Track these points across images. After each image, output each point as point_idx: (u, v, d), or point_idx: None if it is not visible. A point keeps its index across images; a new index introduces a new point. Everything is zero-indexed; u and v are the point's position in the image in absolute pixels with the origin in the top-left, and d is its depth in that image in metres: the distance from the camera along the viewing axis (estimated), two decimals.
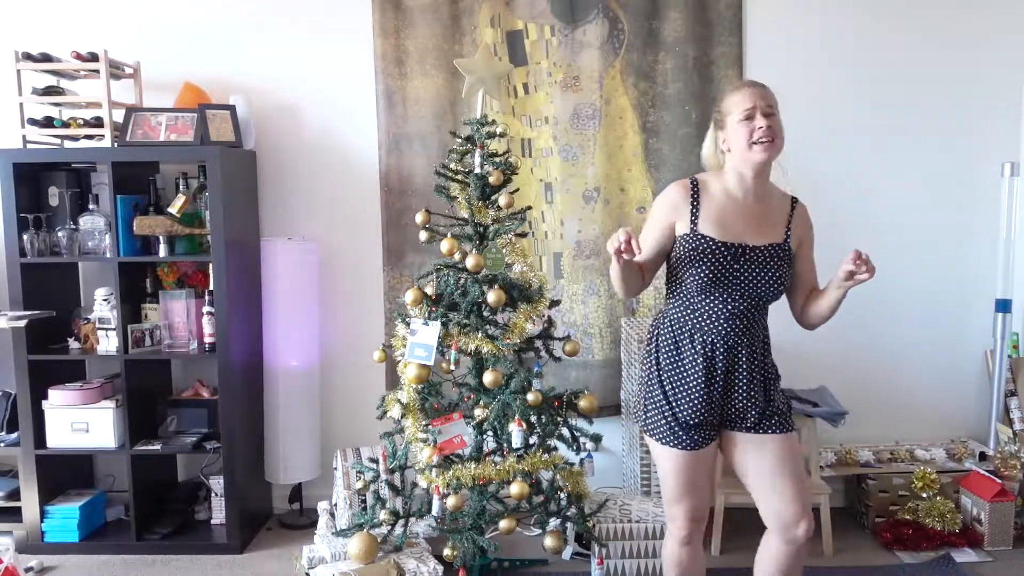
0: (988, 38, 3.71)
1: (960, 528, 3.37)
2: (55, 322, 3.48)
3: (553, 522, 2.89)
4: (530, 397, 2.77)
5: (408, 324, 2.81)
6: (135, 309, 3.56)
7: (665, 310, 2.30)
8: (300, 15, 3.71)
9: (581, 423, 2.91)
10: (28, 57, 3.37)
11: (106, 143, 3.38)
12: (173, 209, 3.40)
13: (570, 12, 3.67)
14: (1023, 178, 3.65)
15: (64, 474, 3.60)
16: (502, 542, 3.19)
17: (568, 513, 2.90)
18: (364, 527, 2.97)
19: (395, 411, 2.86)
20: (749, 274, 2.15)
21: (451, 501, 2.73)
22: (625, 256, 2.04)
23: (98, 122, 3.40)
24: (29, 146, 3.42)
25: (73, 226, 3.48)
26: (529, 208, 3.04)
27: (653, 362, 2.29)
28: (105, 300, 3.43)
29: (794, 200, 2.28)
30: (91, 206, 3.51)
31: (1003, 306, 3.64)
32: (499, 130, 2.93)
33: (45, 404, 3.42)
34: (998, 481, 3.35)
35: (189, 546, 3.45)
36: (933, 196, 3.77)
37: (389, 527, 2.96)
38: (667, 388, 2.24)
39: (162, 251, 3.42)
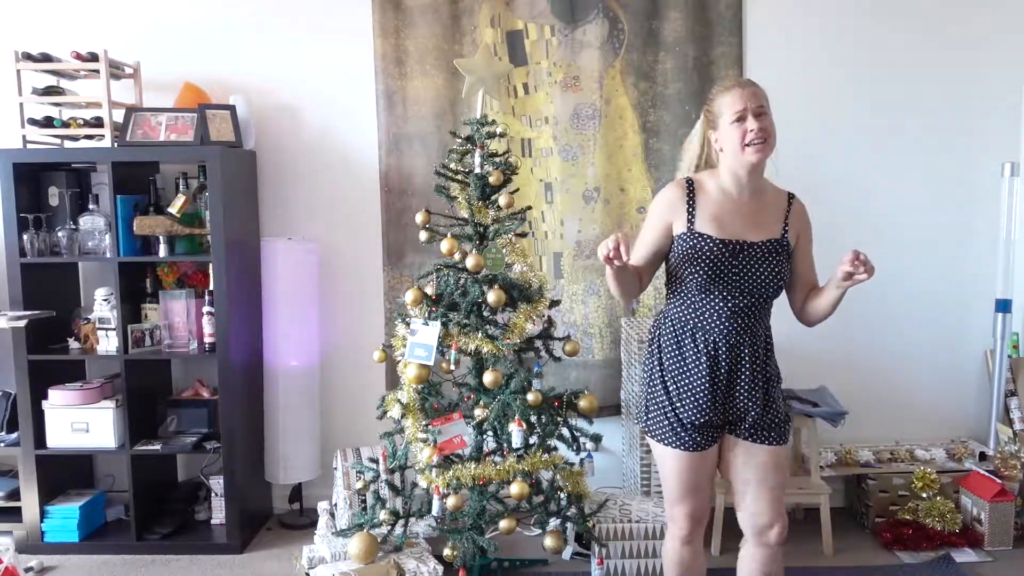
0: (988, 38, 3.71)
1: (960, 528, 3.37)
2: (55, 322, 3.48)
3: (553, 522, 2.89)
4: (530, 397, 2.77)
5: (408, 324, 2.81)
6: (135, 309, 3.56)
7: (666, 310, 2.30)
8: (300, 15, 3.71)
9: (581, 423, 2.91)
10: (28, 57, 3.37)
11: (106, 143, 3.38)
12: (173, 209, 3.40)
13: (570, 12, 3.67)
14: (1023, 178, 3.65)
15: (64, 474, 3.60)
16: (502, 542, 3.19)
17: (568, 513, 2.90)
18: (364, 527, 2.97)
19: (395, 411, 2.86)
20: (748, 270, 2.15)
21: (451, 501, 2.73)
22: (616, 263, 2.04)
23: (98, 122, 3.40)
24: (29, 146, 3.43)
25: (73, 226, 3.48)
26: (529, 208, 3.04)
27: (655, 363, 2.28)
28: (105, 300, 3.43)
29: (791, 196, 2.28)
30: (91, 206, 3.51)
31: (1003, 306, 3.64)
32: (499, 130, 2.94)
33: (45, 404, 3.42)
34: (998, 481, 3.35)
35: (189, 546, 3.45)
36: (933, 196, 3.77)
37: (389, 527, 2.96)
38: (671, 388, 2.24)
39: (162, 251, 3.42)
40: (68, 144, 3.54)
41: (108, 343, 3.41)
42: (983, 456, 3.63)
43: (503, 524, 2.77)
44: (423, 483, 2.79)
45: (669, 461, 2.26)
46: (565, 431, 2.88)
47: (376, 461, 3.06)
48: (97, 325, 3.43)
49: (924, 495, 3.44)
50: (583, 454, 2.94)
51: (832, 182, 3.70)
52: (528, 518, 3.01)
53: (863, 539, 3.47)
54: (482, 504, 2.89)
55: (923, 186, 3.77)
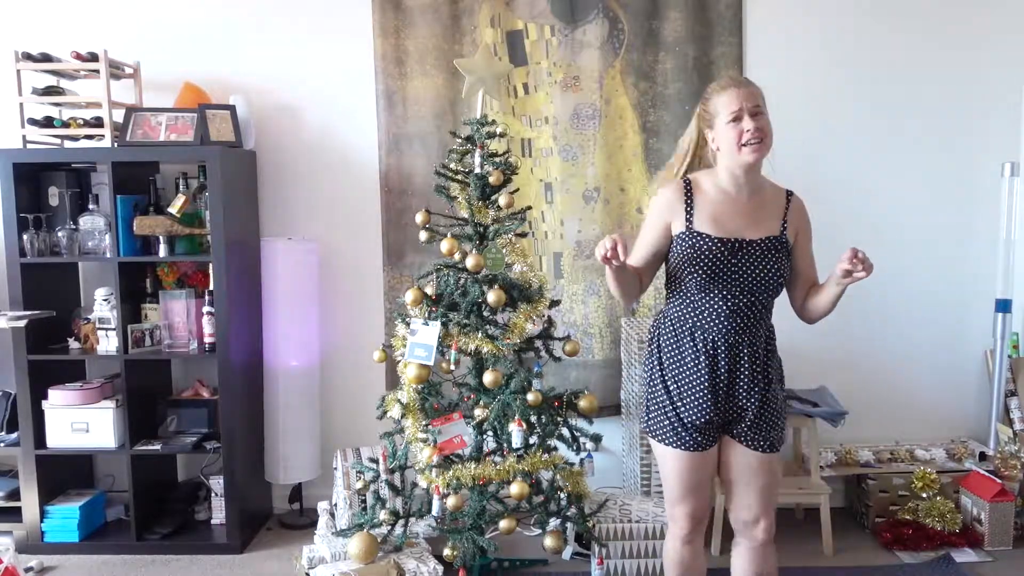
0: (988, 38, 3.71)
1: (960, 528, 3.37)
2: (55, 322, 3.48)
3: (553, 522, 2.89)
4: (530, 397, 2.77)
5: (408, 324, 2.81)
6: (135, 309, 3.56)
7: (665, 310, 2.30)
8: (300, 15, 3.71)
9: (581, 423, 2.91)
10: (28, 57, 3.37)
11: (106, 143, 3.38)
12: (173, 209, 3.40)
13: (570, 12, 3.67)
14: (1023, 178, 3.65)
15: (64, 474, 3.60)
16: (502, 542, 3.18)
17: (568, 513, 2.90)
18: (364, 527, 2.97)
19: (395, 411, 2.86)
20: (747, 268, 2.15)
21: (451, 501, 2.73)
22: (614, 262, 2.04)
23: (98, 122, 3.40)
24: (29, 146, 3.43)
25: (73, 226, 3.48)
26: (529, 208, 3.04)
27: (656, 363, 2.29)
28: (105, 300, 3.43)
29: (789, 193, 2.28)
30: (91, 206, 3.51)
31: (1003, 306, 3.64)
32: (499, 130, 2.94)
33: (45, 404, 3.42)
34: (998, 481, 3.35)
35: (189, 546, 3.45)
36: (933, 196, 3.77)
37: (389, 527, 2.96)
38: (671, 388, 2.24)
39: (162, 251, 3.42)
40: (68, 144, 3.54)
41: (108, 343, 3.41)
42: (983, 456, 3.62)
43: (503, 524, 2.77)
44: (423, 483, 2.79)
45: (670, 461, 2.26)
46: (565, 431, 2.88)
47: (376, 461, 3.06)
48: (97, 325, 3.43)
49: (924, 495, 3.44)
50: (583, 454, 2.95)
51: (832, 182, 3.70)
52: (528, 518, 3.01)
53: (863, 539, 3.47)
54: (482, 504, 2.89)
55: (923, 186, 3.77)
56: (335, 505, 3.34)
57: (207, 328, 3.48)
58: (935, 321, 3.82)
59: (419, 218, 2.91)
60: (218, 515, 3.57)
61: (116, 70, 3.46)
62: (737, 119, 2.12)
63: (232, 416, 3.40)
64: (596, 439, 2.92)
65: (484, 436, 2.90)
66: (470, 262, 2.77)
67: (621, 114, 3.71)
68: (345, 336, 3.82)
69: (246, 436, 3.53)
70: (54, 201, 3.53)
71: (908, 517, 3.43)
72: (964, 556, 3.27)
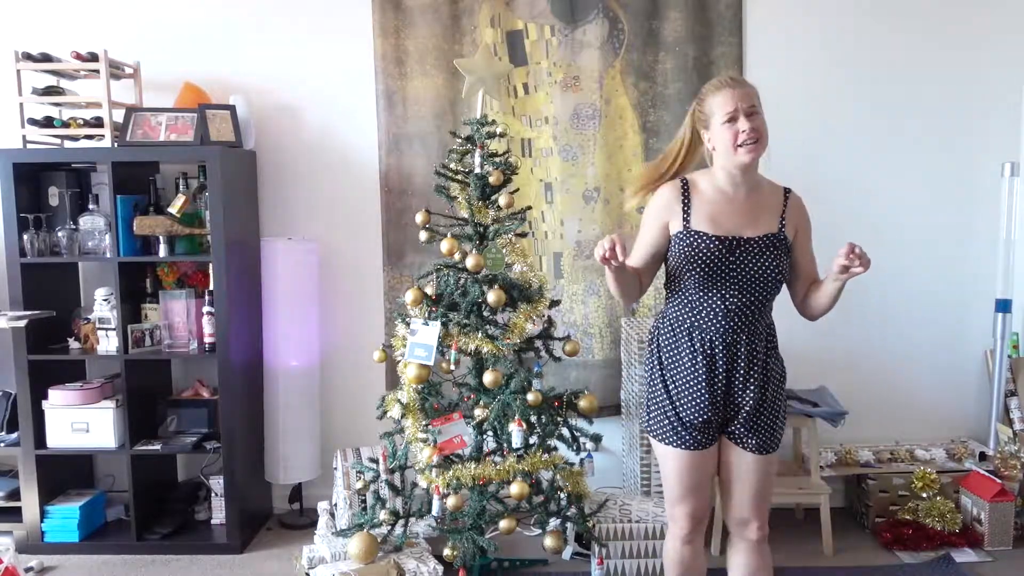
0: (988, 38, 3.71)
1: (960, 528, 3.37)
2: (55, 322, 3.48)
3: (553, 522, 2.89)
4: (530, 397, 2.77)
5: (408, 324, 2.81)
6: (135, 309, 3.56)
7: (665, 310, 2.30)
8: (300, 15, 3.71)
9: (581, 423, 2.91)
10: (28, 57, 3.37)
11: (106, 143, 3.38)
12: (173, 209, 3.40)
13: (570, 12, 3.67)
14: (1023, 178, 3.65)
15: (64, 474, 3.60)
16: (502, 542, 3.18)
17: (568, 513, 2.90)
18: (364, 527, 2.97)
19: (395, 411, 2.86)
20: (745, 266, 2.15)
21: (451, 501, 2.73)
22: (613, 263, 2.04)
23: (98, 122, 3.40)
24: (29, 146, 3.43)
25: (73, 226, 3.48)
26: (529, 208, 3.04)
27: (655, 362, 2.29)
28: (105, 300, 3.43)
29: (787, 191, 2.28)
30: (91, 206, 3.51)
31: (1003, 306, 3.64)
32: (499, 130, 2.94)
33: (45, 404, 3.42)
34: (998, 481, 3.35)
35: (189, 546, 3.45)
36: (933, 196, 3.77)
37: (389, 527, 2.96)
38: (670, 388, 2.24)
39: (162, 251, 3.42)
40: (68, 144, 3.54)
41: (108, 343, 3.41)
42: (983, 456, 3.62)
43: (503, 524, 2.77)
44: (423, 483, 2.79)
45: (670, 460, 2.27)
46: (565, 431, 2.88)
47: (376, 461, 3.06)
48: (97, 325, 3.43)
49: (924, 495, 3.44)
50: (583, 454, 2.95)
51: (832, 182, 3.70)
52: (528, 518, 3.01)
53: (863, 539, 3.47)
54: (482, 504, 2.89)
55: (923, 186, 3.76)
56: (335, 505, 3.34)
57: (207, 328, 3.48)
58: (935, 321, 3.82)
59: (419, 218, 2.91)
60: (218, 515, 3.57)
61: (116, 70, 3.46)
62: (732, 119, 2.12)
63: (232, 416, 3.40)
64: (596, 439, 2.92)
65: (484, 436, 2.90)
66: (470, 262, 2.77)
67: (621, 114, 3.71)
68: (345, 336, 3.82)
69: (246, 436, 3.53)
70: (54, 201, 3.53)
71: (908, 517, 3.43)
72: (964, 556, 3.27)
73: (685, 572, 2.36)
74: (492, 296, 2.75)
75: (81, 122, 3.45)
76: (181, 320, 3.55)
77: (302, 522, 3.67)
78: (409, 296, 2.81)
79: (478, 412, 2.86)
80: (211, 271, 3.44)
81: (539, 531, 3.03)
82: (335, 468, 3.41)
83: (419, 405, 2.84)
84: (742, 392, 2.19)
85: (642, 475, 3.38)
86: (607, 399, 3.72)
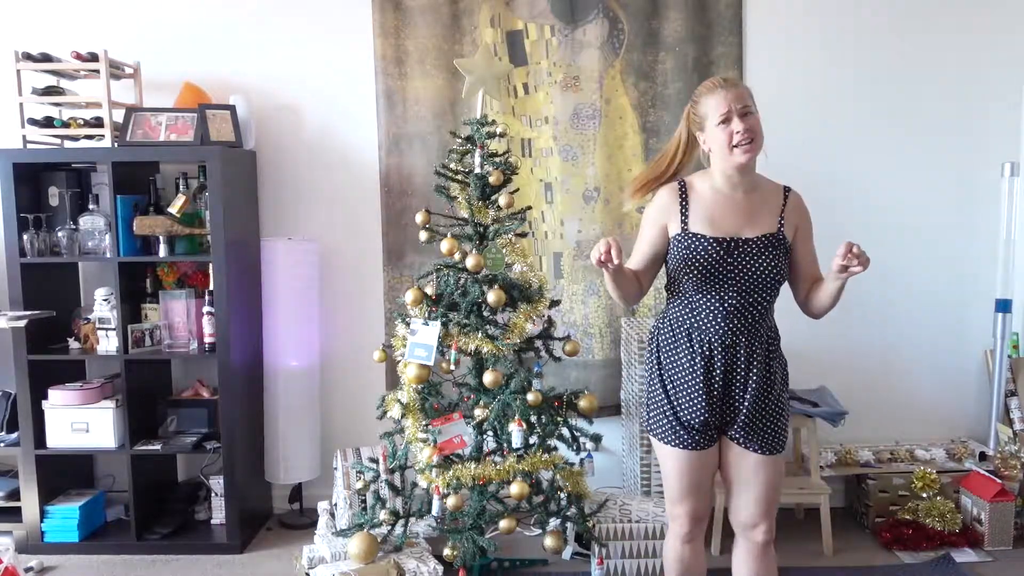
0: (988, 38, 3.71)
1: (960, 528, 3.37)
2: (55, 322, 3.48)
3: (553, 522, 2.89)
4: (530, 397, 2.77)
5: (408, 324, 2.81)
6: (135, 309, 3.56)
7: (666, 310, 2.30)
8: (300, 15, 3.71)
9: (581, 423, 2.91)
10: (28, 57, 3.37)
11: (106, 143, 3.38)
12: (173, 209, 3.40)
13: (570, 12, 3.67)
14: (1023, 178, 3.65)
15: (64, 474, 3.60)
16: (502, 542, 3.18)
17: (568, 513, 2.90)
18: (364, 527, 2.97)
19: (395, 411, 2.86)
20: (743, 267, 2.15)
21: (451, 501, 2.73)
22: (609, 265, 2.05)
23: (98, 122, 3.40)
24: (29, 146, 3.43)
25: (73, 226, 3.48)
26: (529, 208, 3.04)
27: (654, 362, 2.29)
28: (105, 300, 3.43)
29: (786, 189, 2.27)
30: (91, 206, 3.51)
31: (1003, 306, 3.64)
32: (499, 130, 2.94)
33: (45, 404, 3.42)
34: (998, 481, 3.35)
35: (189, 546, 3.45)
36: (933, 196, 3.77)
37: (389, 527, 2.96)
38: (668, 388, 2.25)
39: (162, 251, 3.42)
40: (68, 144, 3.54)
41: (108, 343, 3.41)
42: (983, 456, 3.63)
43: (503, 524, 2.77)
44: (423, 483, 2.79)
45: (670, 460, 2.27)
46: (565, 431, 2.88)
47: (376, 461, 3.06)
48: (97, 325, 3.43)
49: (924, 495, 3.44)
50: (583, 454, 2.94)
51: (832, 182, 3.70)
52: (528, 518, 3.01)
53: (863, 539, 3.47)
54: (482, 504, 2.89)
55: (923, 186, 3.76)
56: (335, 505, 3.34)
57: (207, 328, 3.48)
58: (935, 321, 3.82)
59: (419, 218, 2.91)
60: (218, 515, 3.57)
61: (116, 70, 3.46)
62: (726, 121, 2.12)
63: (232, 416, 3.40)
64: (596, 439, 2.91)
65: (484, 436, 2.90)
66: (470, 262, 2.77)
67: (621, 114, 3.71)
68: (345, 336, 3.82)
69: (246, 436, 3.53)
70: (54, 201, 3.53)
71: (908, 517, 3.43)
72: (964, 556, 3.27)
73: (685, 572, 2.36)
74: (492, 296, 2.75)
75: (81, 122, 3.45)
76: (181, 320, 3.55)
77: (302, 522, 3.67)
78: (409, 296, 2.81)
79: (478, 412, 2.86)
80: (211, 271, 3.44)
81: (539, 531, 3.03)
82: (335, 468, 3.41)
83: (419, 405, 2.84)
84: (742, 394, 2.18)
85: (642, 475, 3.38)
86: (607, 399, 3.72)
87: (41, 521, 3.46)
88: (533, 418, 2.83)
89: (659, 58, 3.68)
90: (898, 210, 3.76)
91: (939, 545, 3.33)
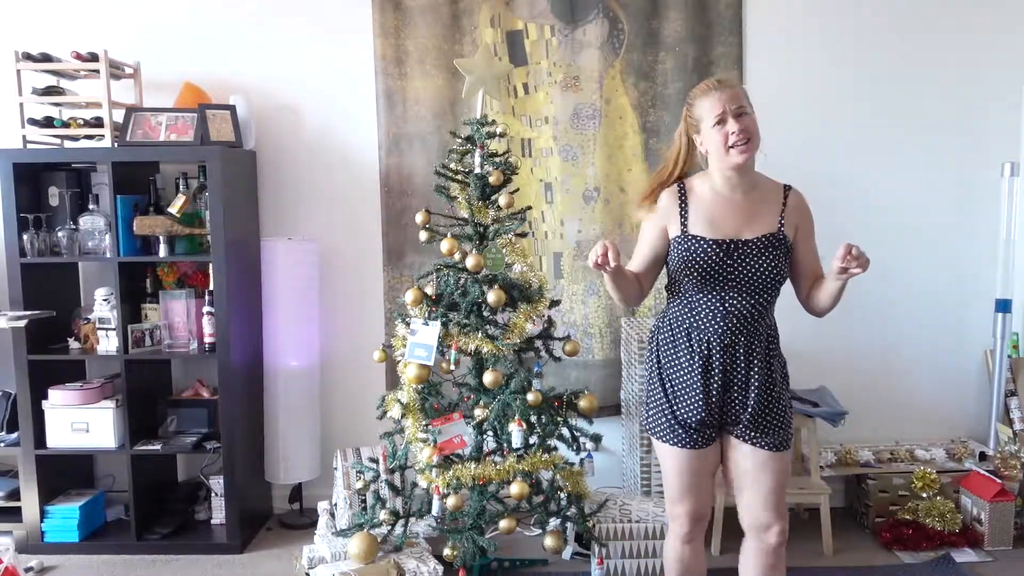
0: (988, 38, 3.71)
1: (960, 528, 3.37)
2: (55, 322, 3.48)
3: (553, 522, 2.89)
4: (530, 397, 2.77)
5: (408, 324, 2.81)
6: (135, 309, 3.56)
7: (666, 310, 2.30)
8: (300, 15, 3.71)
9: (581, 423, 2.91)
10: (28, 57, 3.37)
11: (106, 143, 3.38)
12: (173, 209, 3.40)
13: (570, 12, 3.67)
14: (1023, 178, 3.65)
15: (64, 474, 3.59)
16: (502, 542, 3.18)
17: (568, 513, 2.90)
18: (364, 527, 2.97)
19: (395, 411, 2.86)
20: (744, 268, 2.15)
21: (451, 501, 2.73)
22: (606, 268, 2.05)
23: (98, 122, 3.40)
24: (29, 146, 3.43)
25: (73, 226, 3.48)
26: (529, 208, 3.04)
27: (654, 361, 2.30)
28: (105, 300, 3.43)
29: (787, 188, 2.27)
30: (91, 206, 3.51)
31: (1003, 306, 3.64)
32: (499, 130, 2.94)
33: (45, 404, 3.42)
34: (998, 481, 3.35)
35: (189, 546, 3.45)
36: (933, 196, 3.77)
37: (389, 527, 2.96)
38: (667, 387, 2.25)
39: (162, 251, 3.42)
40: (68, 144, 3.54)
41: (108, 343, 3.41)
42: (983, 456, 3.63)
43: (503, 524, 2.77)
44: (423, 483, 2.79)
45: (669, 459, 2.27)
46: (565, 431, 2.88)
47: (376, 461, 3.06)
48: (97, 325, 3.43)
49: (924, 495, 3.44)
50: (583, 454, 2.94)
51: (832, 182, 3.70)
52: (528, 518, 3.01)
53: (863, 539, 3.47)
54: (482, 504, 2.89)
55: (923, 186, 3.76)
56: (335, 505, 3.34)
57: (207, 328, 3.48)
58: (935, 321, 3.82)
59: (419, 218, 2.91)
60: (218, 515, 3.57)
61: (116, 70, 3.46)
62: (722, 122, 2.13)
63: (232, 416, 3.40)
64: (596, 439, 2.91)
65: (484, 436, 2.90)
66: (470, 262, 2.77)
67: (621, 114, 3.71)
68: (345, 336, 3.82)
69: (246, 436, 3.53)
70: (54, 201, 3.53)
71: (908, 517, 3.43)
72: (964, 556, 3.27)
73: (685, 572, 2.36)
74: (492, 296, 2.75)
75: (81, 122, 3.45)
76: (181, 320, 3.55)
77: (302, 522, 3.67)
78: (409, 296, 2.81)
79: (478, 412, 2.86)
80: (211, 271, 3.44)
81: (539, 531, 3.03)
82: (335, 468, 3.41)
83: (419, 405, 2.84)
84: (743, 393, 2.18)
85: (642, 475, 3.38)
86: (607, 399, 3.72)
87: (41, 521, 3.46)
88: (533, 418, 2.83)
89: (659, 58, 3.68)
90: (898, 210, 3.76)
91: (939, 545, 3.33)
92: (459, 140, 2.97)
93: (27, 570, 3.24)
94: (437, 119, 3.69)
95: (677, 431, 2.23)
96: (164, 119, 3.41)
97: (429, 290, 2.86)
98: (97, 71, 3.36)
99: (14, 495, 3.50)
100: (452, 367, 2.76)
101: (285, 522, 3.71)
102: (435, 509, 2.73)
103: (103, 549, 3.45)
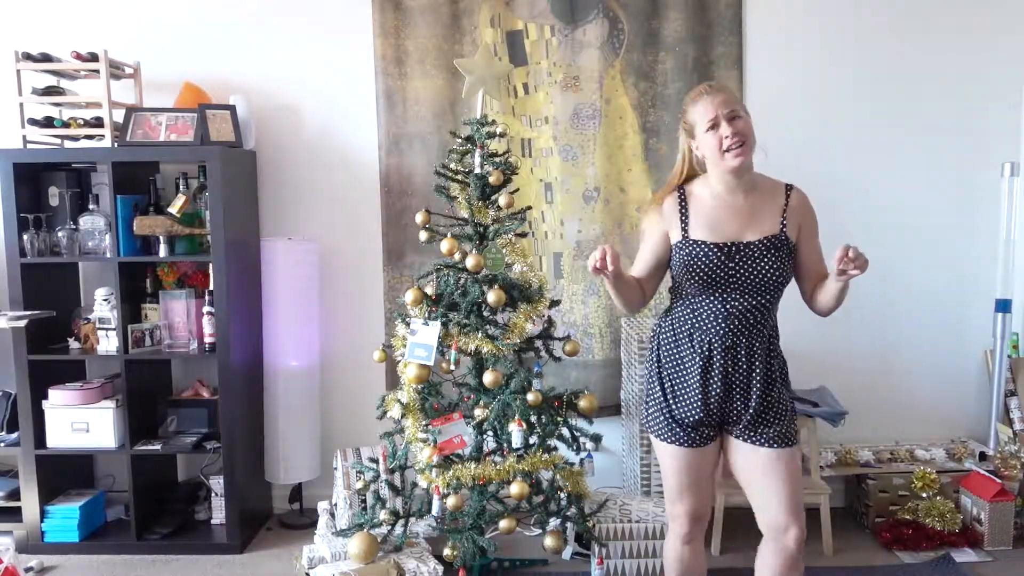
0: (988, 38, 3.71)
1: (960, 528, 3.37)
2: (55, 322, 3.48)
3: (553, 522, 2.89)
4: (530, 397, 2.77)
5: (408, 324, 2.81)
6: (135, 309, 3.56)
7: (669, 310, 2.31)
8: (300, 15, 3.71)
9: (581, 423, 2.91)
10: (28, 57, 3.37)
11: (106, 143, 3.38)
12: (173, 209, 3.40)
13: (570, 12, 3.67)
14: (1023, 178, 3.65)
15: (64, 474, 3.60)
16: (502, 542, 3.18)
17: (568, 513, 2.90)
18: (364, 527, 2.97)
19: (395, 411, 2.86)
20: (745, 271, 2.15)
21: (451, 501, 2.73)
22: (606, 273, 2.05)
23: (98, 122, 3.40)
24: (29, 146, 3.43)
25: (73, 226, 3.48)
26: (529, 208, 3.04)
27: (654, 360, 2.30)
28: (105, 300, 3.43)
29: (788, 187, 2.26)
30: (91, 206, 3.51)
31: (1003, 306, 3.64)
32: (499, 130, 2.94)
33: (45, 404, 3.42)
34: (998, 481, 3.35)
35: (189, 546, 3.45)
36: (933, 196, 3.77)
37: (389, 527, 2.96)
38: (666, 386, 2.25)
39: (162, 251, 3.42)
40: (68, 144, 3.54)
41: (108, 343, 3.41)
42: (983, 456, 3.63)
43: (503, 524, 2.77)
44: (423, 483, 2.79)
45: (668, 458, 2.28)
46: (565, 431, 2.88)
47: (376, 461, 3.06)
48: (97, 325, 3.43)
49: (924, 495, 3.44)
50: (583, 454, 2.94)
51: (832, 182, 3.69)
52: (528, 518, 3.01)
53: (863, 539, 3.48)
54: (482, 504, 2.89)
55: (923, 186, 3.76)
56: (335, 505, 3.34)
57: (207, 328, 3.48)
58: (935, 321, 3.82)
59: (419, 218, 2.91)
60: (218, 515, 3.57)
61: (116, 70, 3.46)
62: (715, 126, 2.13)
63: (232, 416, 3.40)
64: (596, 439, 2.91)
65: (484, 436, 2.90)
66: (470, 262, 2.77)
67: (621, 114, 3.71)
68: (345, 336, 3.82)
69: (246, 436, 3.53)
70: (54, 201, 3.53)
71: (908, 517, 3.43)
72: (964, 556, 3.27)
73: (685, 572, 2.36)
74: (492, 296, 2.75)
75: (81, 122, 3.45)
76: (181, 320, 3.55)
77: (302, 522, 3.67)
78: (409, 296, 2.81)
79: (478, 412, 2.86)
80: (211, 271, 3.44)
81: (539, 531, 3.03)
82: (335, 468, 3.41)
83: (419, 405, 2.84)
84: (744, 394, 2.18)
85: (642, 475, 3.38)
86: (607, 399, 3.72)
87: (41, 521, 3.46)
88: (533, 418, 2.83)
89: (659, 58, 3.68)
90: (898, 210, 3.76)
91: (939, 545, 3.33)
92: (459, 140, 2.97)
93: (27, 570, 3.24)
94: (437, 119, 3.69)
95: (675, 429, 2.23)
96: (164, 119, 3.41)
97: (429, 290, 2.86)
98: (97, 71, 3.36)
99: (14, 495, 3.51)
100: (452, 367, 2.76)
101: (285, 522, 3.72)
102: (435, 509, 2.73)
103: (103, 549, 3.45)
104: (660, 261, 2.27)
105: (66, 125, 3.43)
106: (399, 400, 2.85)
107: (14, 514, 3.48)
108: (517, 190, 2.95)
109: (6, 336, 3.39)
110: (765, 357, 2.20)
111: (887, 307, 3.79)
